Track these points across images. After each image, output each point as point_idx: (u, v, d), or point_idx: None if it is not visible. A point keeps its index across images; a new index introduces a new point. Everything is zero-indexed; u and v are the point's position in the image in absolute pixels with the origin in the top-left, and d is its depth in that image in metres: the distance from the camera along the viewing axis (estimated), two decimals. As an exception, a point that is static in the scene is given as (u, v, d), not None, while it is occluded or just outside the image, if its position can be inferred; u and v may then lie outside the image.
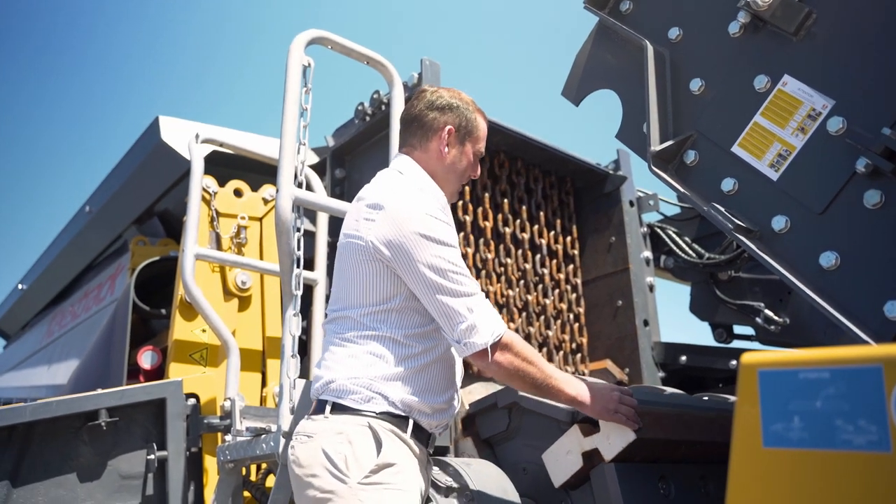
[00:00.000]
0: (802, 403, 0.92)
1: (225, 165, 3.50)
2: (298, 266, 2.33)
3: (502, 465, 2.22)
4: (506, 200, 3.47)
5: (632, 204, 3.76)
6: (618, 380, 3.41)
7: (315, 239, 3.16)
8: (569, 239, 3.73)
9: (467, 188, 3.30)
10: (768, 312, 3.36)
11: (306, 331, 3.03)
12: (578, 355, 3.60)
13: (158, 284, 3.78)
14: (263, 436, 2.36)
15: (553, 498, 2.01)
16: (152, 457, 2.56)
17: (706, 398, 2.45)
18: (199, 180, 2.98)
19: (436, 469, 2.01)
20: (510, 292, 3.36)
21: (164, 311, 3.79)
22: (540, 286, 3.52)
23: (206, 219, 3.18)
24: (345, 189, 3.46)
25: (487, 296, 3.26)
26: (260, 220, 3.37)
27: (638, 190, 3.87)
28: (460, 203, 3.25)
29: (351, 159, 3.52)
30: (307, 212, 2.95)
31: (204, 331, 3.08)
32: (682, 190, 1.86)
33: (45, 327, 5.85)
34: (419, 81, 3.12)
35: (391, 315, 1.65)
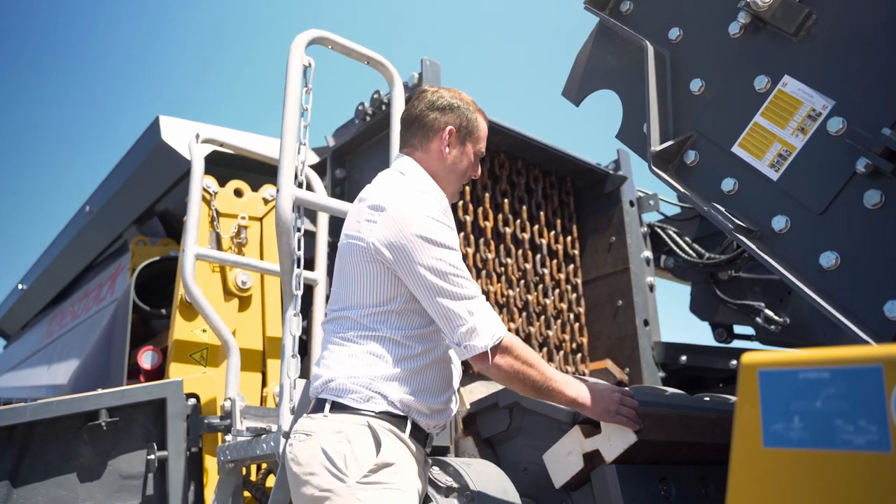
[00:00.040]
0: (803, 403, 0.93)
1: (225, 165, 3.50)
2: (299, 266, 2.33)
3: (503, 465, 2.22)
4: (506, 200, 3.47)
5: (632, 204, 3.77)
6: (618, 380, 3.41)
7: (315, 239, 3.16)
8: (569, 239, 3.73)
9: (468, 188, 3.30)
10: (768, 312, 3.36)
11: (306, 331, 3.03)
12: (579, 355, 3.60)
13: (159, 284, 3.78)
14: (264, 436, 2.36)
15: (554, 498, 2.01)
16: (152, 457, 2.57)
17: (707, 398, 2.45)
18: (200, 180, 2.98)
19: (436, 469, 2.02)
20: (510, 292, 3.36)
21: (164, 311, 3.79)
22: (540, 286, 3.52)
23: (206, 219, 3.18)
24: (345, 189, 3.46)
25: (488, 296, 3.27)
26: (260, 219, 3.37)
27: (638, 190, 3.87)
28: (461, 203, 3.25)
29: (351, 159, 3.52)
30: (307, 212, 2.95)
31: (204, 331, 3.08)
32: (682, 190, 1.86)
33: (46, 327, 5.85)
34: (419, 81, 3.12)
35: (391, 316, 1.65)
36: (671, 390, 2.53)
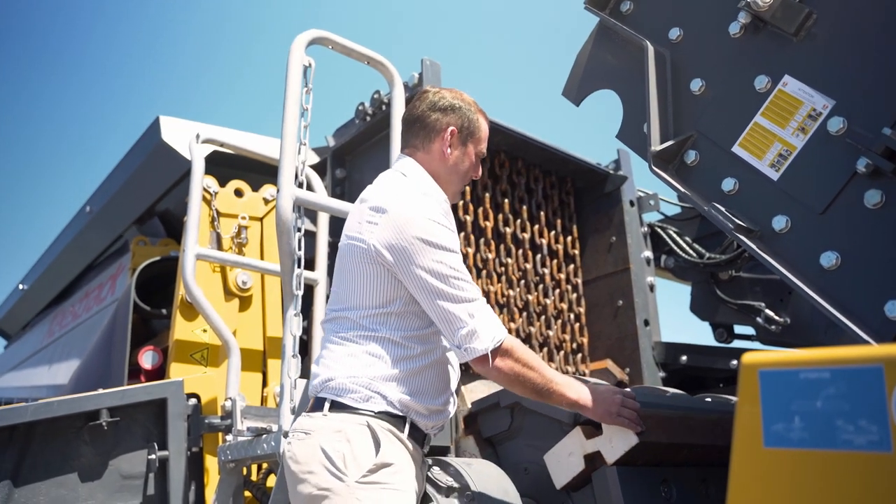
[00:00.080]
0: (803, 403, 0.93)
1: (226, 165, 3.50)
2: (299, 266, 2.34)
3: (504, 465, 2.22)
4: (506, 200, 3.47)
5: (632, 204, 3.77)
6: (618, 380, 3.41)
7: (316, 239, 3.16)
8: (569, 239, 3.73)
9: (468, 188, 3.30)
10: (769, 312, 3.36)
11: (307, 331, 3.03)
12: (579, 355, 3.60)
13: (159, 284, 3.78)
14: (264, 436, 2.37)
15: (554, 499, 2.01)
16: (153, 457, 2.57)
17: (709, 399, 2.45)
18: (200, 180, 2.98)
19: (437, 469, 2.02)
20: (511, 292, 3.37)
21: (164, 311, 3.79)
22: (540, 286, 3.52)
23: (206, 219, 3.18)
24: (345, 189, 3.46)
25: (488, 296, 3.27)
26: (260, 220, 3.37)
27: (638, 190, 3.87)
28: (461, 203, 3.25)
29: (351, 159, 3.52)
30: (308, 212, 2.95)
31: (205, 331, 3.08)
32: (682, 190, 1.86)
33: (46, 327, 5.86)
34: (420, 81, 3.12)
35: (390, 318, 1.66)
36: (672, 391, 2.52)
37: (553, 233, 3.65)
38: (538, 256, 3.55)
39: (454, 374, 1.80)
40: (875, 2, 1.65)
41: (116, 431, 2.57)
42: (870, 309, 1.51)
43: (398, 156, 1.89)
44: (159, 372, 3.35)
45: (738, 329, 3.73)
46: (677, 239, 3.79)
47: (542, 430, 2.19)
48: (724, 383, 3.50)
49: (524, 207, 3.54)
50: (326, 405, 1.62)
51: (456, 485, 1.97)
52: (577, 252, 3.75)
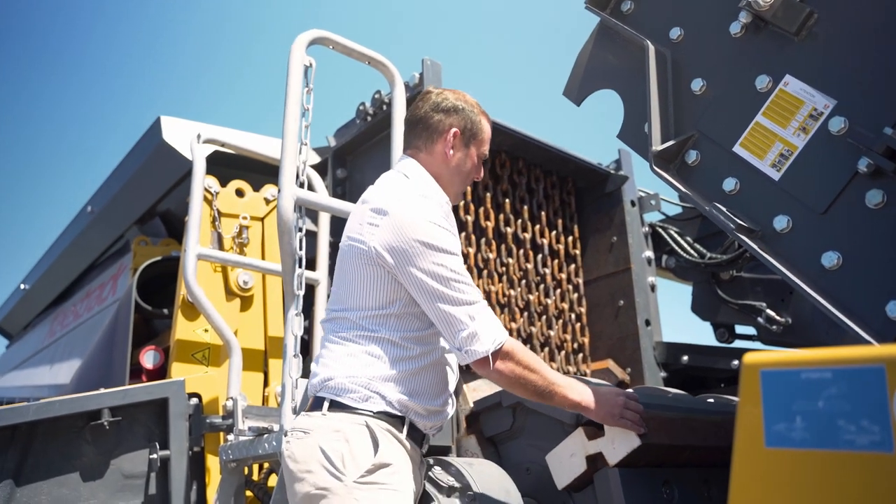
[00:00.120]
0: (805, 403, 0.93)
1: (227, 165, 3.50)
2: (300, 266, 2.34)
3: (505, 464, 2.22)
4: (507, 200, 3.48)
5: (633, 204, 3.77)
6: (619, 380, 3.41)
7: (317, 239, 3.16)
8: (570, 239, 3.73)
9: (469, 188, 3.30)
10: (770, 312, 3.36)
11: (308, 330, 3.03)
12: (580, 355, 3.60)
13: (160, 284, 3.78)
14: (266, 435, 2.37)
15: (555, 499, 2.01)
16: (155, 456, 2.57)
17: (711, 400, 2.45)
18: (201, 180, 2.98)
19: (438, 469, 2.02)
20: (512, 292, 3.37)
21: (166, 310, 3.79)
22: (542, 286, 3.52)
23: (207, 219, 3.18)
24: (346, 189, 3.46)
25: (489, 296, 3.27)
26: (262, 220, 3.37)
27: (639, 190, 3.87)
28: (462, 203, 3.25)
29: (352, 159, 3.52)
30: (309, 212, 2.95)
31: (206, 331, 3.08)
32: (683, 190, 1.86)
33: (48, 327, 5.86)
34: (420, 81, 3.12)
35: (390, 319, 1.66)
36: (674, 391, 2.52)
37: (554, 233, 3.65)
38: (539, 256, 3.55)
39: (453, 375, 1.80)
40: (876, 1, 1.65)
41: (118, 431, 2.57)
42: (871, 309, 1.51)
43: (400, 156, 1.89)
44: (161, 372, 3.36)
45: (740, 329, 3.74)
46: (678, 239, 3.79)
47: (544, 431, 2.19)
48: (725, 383, 3.50)
49: (525, 207, 3.54)
50: (325, 405, 1.63)
51: (457, 485, 1.97)
52: (578, 252, 3.75)
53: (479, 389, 2.66)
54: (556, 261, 3.63)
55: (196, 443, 2.70)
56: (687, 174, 1.90)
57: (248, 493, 2.67)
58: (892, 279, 1.50)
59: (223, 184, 3.31)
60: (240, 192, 3.35)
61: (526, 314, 3.41)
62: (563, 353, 3.53)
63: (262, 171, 3.38)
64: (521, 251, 3.47)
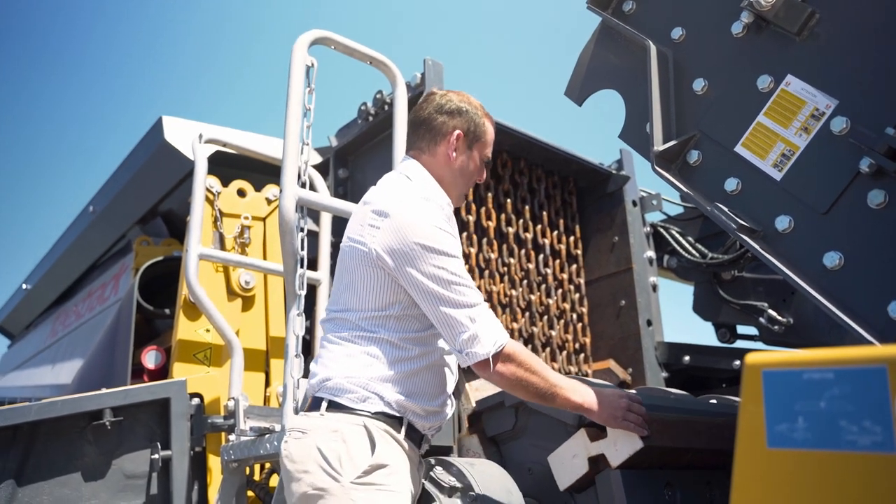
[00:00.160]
0: (806, 404, 0.92)
1: (228, 165, 3.50)
2: (302, 266, 2.34)
3: (507, 464, 2.22)
4: (509, 200, 3.48)
5: (635, 204, 3.76)
6: (621, 380, 3.41)
7: (318, 239, 3.16)
8: (572, 239, 3.73)
9: (470, 188, 3.30)
10: (772, 312, 3.36)
11: (310, 330, 3.04)
12: (581, 355, 3.60)
13: (162, 284, 3.79)
14: (267, 435, 2.37)
15: (557, 500, 2.01)
16: (156, 456, 2.57)
17: (713, 401, 2.44)
18: (203, 180, 2.98)
19: (439, 469, 2.02)
20: (513, 292, 3.37)
21: (167, 310, 3.79)
22: (543, 286, 3.52)
23: (209, 219, 3.18)
24: (348, 189, 3.46)
25: (490, 296, 3.27)
26: (263, 220, 3.37)
27: (641, 190, 3.87)
28: (463, 203, 3.25)
29: (354, 159, 3.52)
30: (310, 212, 2.95)
31: (208, 331, 3.09)
32: (685, 190, 1.86)
33: (49, 327, 5.87)
34: (422, 81, 3.12)
35: (389, 320, 1.66)
36: (676, 392, 2.52)
37: (556, 233, 3.65)
38: (541, 256, 3.55)
39: (452, 376, 1.80)
40: (878, 2, 1.65)
41: (120, 431, 2.58)
42: (873, 309, 1.50)
43: (403, 157, 1.89)
44: (162, 372, 3.36)
45: (741, 329, 3.73)
46: (680, 239, 3.79)
47: (546, 431, 2.19)
48: (726, 383, 3.50)
49: (527, 207, 3.54)
50: (323, 405, 1.62)
51: (459, 485, 1.97)
52: (579, 252, 3.75)
53: (482, 389, 2.65)
54: (557, 261, 3.63)
55: (198, 443, 2.70)
56: (688, 174, 1.89)
57: (250, 493, 2.67)
58: (894, 279, 1.50)
59: (225, 184, 3.31)
60: (241, 192, 3.35)
61: (527, 314, 3.41)
62: (564, 353, 3.53)
63: (263, 171, 3.38)
64: (523, 251, 3.47)
